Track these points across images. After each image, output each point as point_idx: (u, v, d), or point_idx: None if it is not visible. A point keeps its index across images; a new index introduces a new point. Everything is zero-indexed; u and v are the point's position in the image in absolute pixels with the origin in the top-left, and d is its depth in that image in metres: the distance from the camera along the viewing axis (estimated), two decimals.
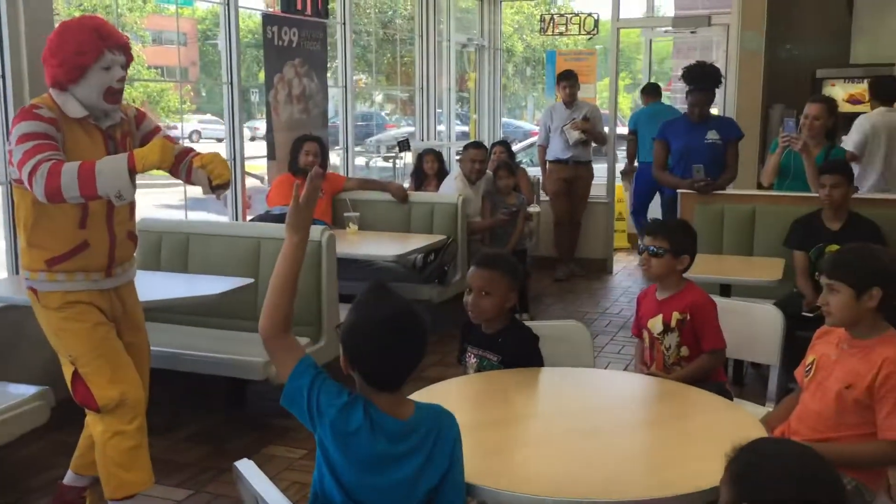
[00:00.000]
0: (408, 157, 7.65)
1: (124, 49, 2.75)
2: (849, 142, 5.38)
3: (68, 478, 3.09)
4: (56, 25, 2.85)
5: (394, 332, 1.78)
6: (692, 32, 8.15)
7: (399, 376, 1.82)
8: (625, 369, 4.85)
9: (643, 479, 2.03)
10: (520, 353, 2.67)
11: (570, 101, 7.14)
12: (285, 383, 1.85)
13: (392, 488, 1.81)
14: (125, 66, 2.77)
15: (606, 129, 7.53)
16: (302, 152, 5.41)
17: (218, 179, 2.70)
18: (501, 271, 2.67)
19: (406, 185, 6.49)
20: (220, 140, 7.29)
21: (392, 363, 1.80)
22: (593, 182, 7.48)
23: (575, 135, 7.06)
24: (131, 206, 2.93)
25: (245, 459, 1.85)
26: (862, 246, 2.46)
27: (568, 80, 7.11)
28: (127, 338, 2.94)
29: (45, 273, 2.76)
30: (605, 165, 7.78)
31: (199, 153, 2.84)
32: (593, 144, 7.29)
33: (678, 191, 5.26)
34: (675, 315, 2.92)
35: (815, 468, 1.43)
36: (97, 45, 2.66)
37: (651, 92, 7.91)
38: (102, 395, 2.76)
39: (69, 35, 2.66)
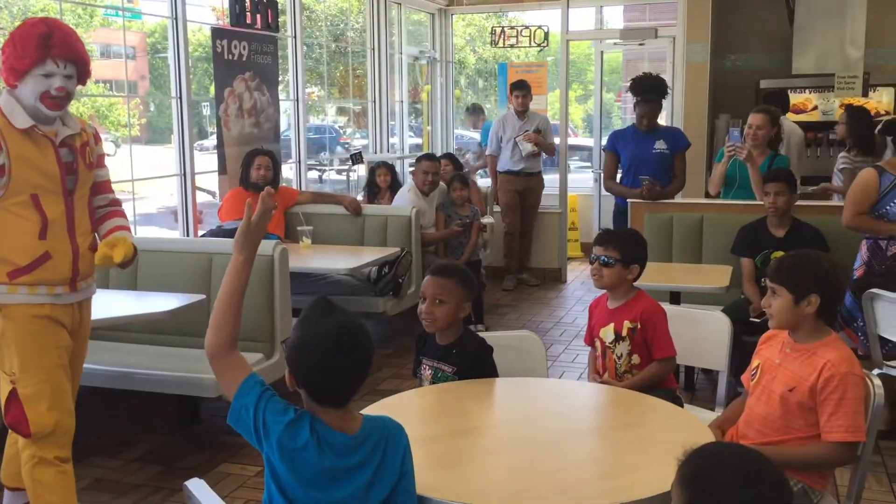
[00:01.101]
0: (361, 170, 7.63)
1: (76, 63, 2.72)
2: None
3: (6, 499, 3.02)
4: None
5: (337, 349, 1.76)
6: (640, 44, 8.28)
7: (344, 392, 1.82)
8: (579, 378, 4.89)
9: (597, 486, 2.05)
10: (474, 364, 2.68)
11: (523, 112, 7.21)
12: (231, 402, 1.85)
13: (342, 503, 1.80)
14: (73, 79, 2.73)
15: (556, 140, 7.61)
16: (253, 166, 5.37)
17: (117, 259, 2.86)
18: (455, 280, 2.69)
19: (359, 198, 6.48)
20: None
21: (336, 379, 1.79)
22: (545, 192, 7.55)
23: (528, 147, 7.12)
24: (92, 216, 2.93)
25: (196, 479, 1.83)
26: (806, 252, 2.51)
27: (521, 89, 7.18)
28: (74, 349, 2.90)
29: (6, 286, 2.70)
30: (557, 176, 7.86)
31: (118, 227, 2.97)
32: (543, 155, 7.37)
33: (628, 200, 5.34)
34: (626, 324, 2.96)
35: (762, 471, 1.47)
36: (39, 52, 2.64)
37: None
38: (38, 421, 2.70)
39: (17, 36, 2.66)
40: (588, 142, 11.17)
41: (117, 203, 3.09)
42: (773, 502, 1.45)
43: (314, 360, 1.77)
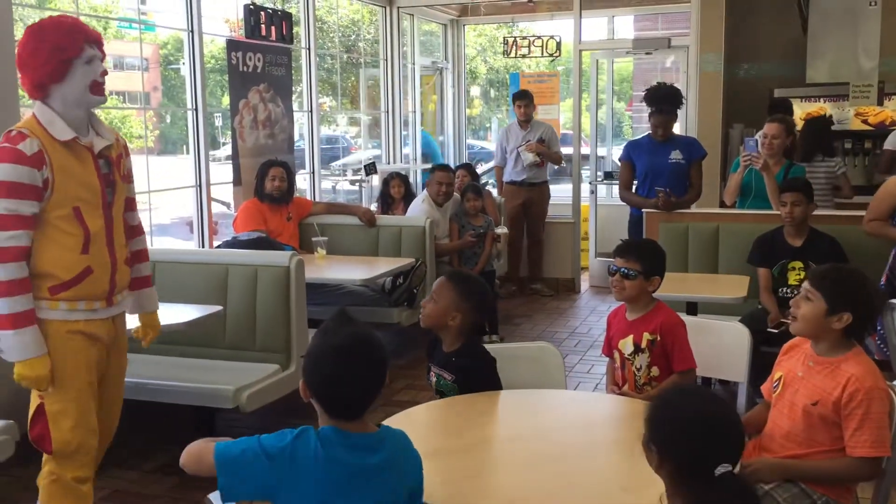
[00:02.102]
0: (374, 181, 7.65)
1: (98, 44, 2.70)
2: None
3: None
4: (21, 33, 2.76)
5: (349, 360, 1.77)
6: (647, 53, 8.26)
7: (357, 404, 1.81)
8: (594, 389, 4.88)
9: (618, 499, 2.03)
10: (471, 374, 2.69)
11: (526, 122, 7.24)
12: (218, 477, 1.76)
13: None
14: (103, 61, 2.72)
15: (563, 150, 7.61)
16: (268, 177, 5.39)
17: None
18: (452, 283, 2.73)
19: (373, 208, 6.49)
20: None
21: (348, 390, 1.78)
22: (559, 202, 7.54)
23: (529, 157, 7.14)
24: (128, 227, 2.91)
25: (217, 491, 1.83)
26: (853, 269, 2.46)
27: (523, 99, 7.22)
28: (112, 362, 2.88)
29: (47, 301, 2.65)
30: (570, 185, 7.85)
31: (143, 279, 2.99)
32: (549, 165, 7.38)
33: (643, 210, 5.33)
34: (646, 336, 2.95)
35: (718, 419, 1.63)
36: (77, 38, 2.61)
37: None
38: (61, 438, 2.66)
39: (46, 34, 2.60)
40: (599, 151, 11.12)
41: (140, 232, 3.03)
42: (725, 450, 1.59)
43: (326, 370, 1.78)
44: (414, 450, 1.90)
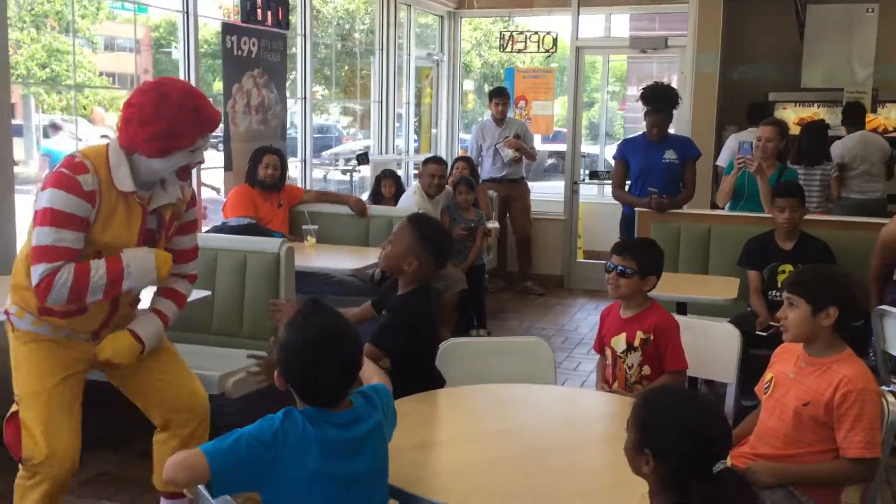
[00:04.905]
0: (366, 171, 7.61)
1: (213, 130, 2.56)
2: None
3: None
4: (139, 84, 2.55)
5: (320, 354, 1.78)
6: (643, 52, 8.26)
7: (330, 392, 1.82)
8: (581, 385, 4.87)
9: (611, 494, 2.03)
10: (393, 312, 2.75)
11: (501, 119, 7.24)
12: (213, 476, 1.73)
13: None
14: (206, 147, 2.59)
15: (557, 147, 7.62)
16: (262, 164, 5.34)
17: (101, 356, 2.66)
18: (412, 228, 2.72)
19: (364, 197, 6.45)
20: None
21: (323, 382, 1.80)
22: (545, 199, 7.54)
23: (509, 153, 7.14)
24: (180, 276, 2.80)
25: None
26: (825, 266, 2.57)
27: (501, 97, 7.24)
28: (152, 364, 2.78)
29: (32, 316, 2.57)
30: (550, 183, 7.83)
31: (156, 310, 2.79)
32: (525, 161, 7.38)
33: (636, 209, 5.32)
34: (639, 335, 2.94)
35: (711, 417, 1.65)
36: (194, 130, 2.44)
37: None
38: (30, 446, 2.53)
39: (167, 110, 2.40)
40: (592, 149, 11.15)
41: (188, 278, 2.88)
42: (715, 449, 1.62)
43: (298, 363, 1.80)
44: (383, 392, 1.95)
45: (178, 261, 2.74)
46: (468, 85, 13.38)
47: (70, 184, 2.40)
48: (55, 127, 9.79)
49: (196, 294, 3.66)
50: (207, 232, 5.19)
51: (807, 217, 4.48)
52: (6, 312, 2.65)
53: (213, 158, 5.84)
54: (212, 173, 5.88)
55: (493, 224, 6.62)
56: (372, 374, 2.20)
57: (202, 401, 2.89)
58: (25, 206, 3.61)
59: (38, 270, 2.40)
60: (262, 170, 5.32)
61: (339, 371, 1.81)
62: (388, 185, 6.41)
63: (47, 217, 2.39)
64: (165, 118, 2.40)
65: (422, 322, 2.76)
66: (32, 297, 2.50)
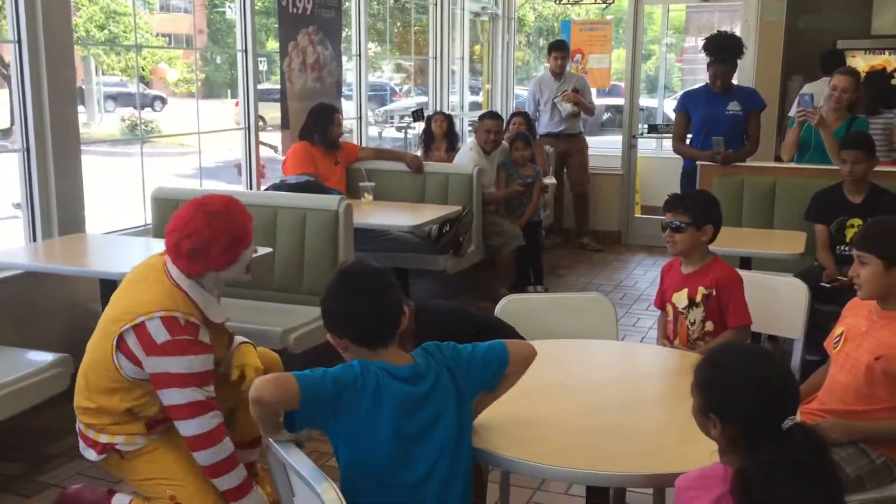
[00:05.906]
0: (420, 128, 7.59)
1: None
2: None
3: None
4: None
5: (352, 281, 1.91)
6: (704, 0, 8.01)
7: (375, 331, 1.89)
8: (641, 341, 4.83)
9: (675, 452, 2.00)
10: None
11: (560, 73, 7.11)
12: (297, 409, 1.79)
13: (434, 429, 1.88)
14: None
15: (613, 101, 7.47)
16: (333, 123, 5.35)
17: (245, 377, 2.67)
18: None
19: (417, 153, 6.44)
20: None
21: (361, 311, 1.88)
22: (603, 154, 7.43)
23: (568, 107, 7.02)
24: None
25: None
26: (891, 218, 2.46)
27: (560, 50, 7.10)
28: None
29: (141, 437, 2.56)
30: (621, 137, 7.71)
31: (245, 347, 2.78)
32: (583, 116, 7.26)
33: (698, 163, 5.20)
34: (701, 290, 2.88)
35: (775, 373, 1.63)
36: (248, 227, 2.56)
37: None
38: None
39: (220, 225, 2.48)
40: (649, 102, 10.91)
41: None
42: (782, 406, 1.59)
43: (334, 295, 1.91)
44: (447, 347, 1.97)
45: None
46: (521, 39, 13.16)
47: (201, 346, 2.45)
48: None
49: (259, 250, 3.72)
50: (266, 190, 5.24)
51: (876, 169, 4.32)
52: (110, 449, 2.58)
53: (268, 117, 5.87)
54: (265, 132, 5.91)
55: (549, 180, 6.55)
56: None
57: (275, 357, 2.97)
58: (90, 164, 3.67)
59: (201, 422, 2.43)
60: (333, 129, 5.33)
61: (377, 306, 1.89)
62: (439, 121, 6.38)
63: (194, 380, 2.43)
64: (223, 230, 2.48)
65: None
66: (135, 424, 2.54)
